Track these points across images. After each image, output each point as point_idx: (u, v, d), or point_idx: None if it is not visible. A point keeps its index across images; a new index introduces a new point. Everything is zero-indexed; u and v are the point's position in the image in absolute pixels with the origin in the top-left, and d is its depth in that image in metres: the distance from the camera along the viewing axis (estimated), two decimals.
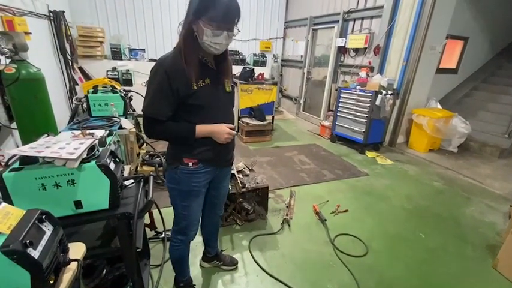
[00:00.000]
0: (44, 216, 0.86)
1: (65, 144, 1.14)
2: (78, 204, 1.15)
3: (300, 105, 6.69)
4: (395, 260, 2.09)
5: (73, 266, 0.92)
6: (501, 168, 4.01)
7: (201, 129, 1.22)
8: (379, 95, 3.95)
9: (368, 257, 2.10)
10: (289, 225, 2.42)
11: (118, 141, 2.16)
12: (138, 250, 1.33)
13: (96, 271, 1.45)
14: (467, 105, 5.38)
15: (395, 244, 2.28)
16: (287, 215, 2.51)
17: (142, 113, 1.22)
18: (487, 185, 3.44)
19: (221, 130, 1.24)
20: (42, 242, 0.80)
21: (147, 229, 1.92)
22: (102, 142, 1.36)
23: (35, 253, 0.75)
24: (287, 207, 2.66)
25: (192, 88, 1.16)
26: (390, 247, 2.23)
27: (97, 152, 1.21)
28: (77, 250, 1.00)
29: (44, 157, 1.03)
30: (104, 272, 1.48)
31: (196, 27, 1.11)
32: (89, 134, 1.43)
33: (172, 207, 1.43)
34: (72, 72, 4.38)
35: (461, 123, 4.34)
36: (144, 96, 1.21)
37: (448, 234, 2.43)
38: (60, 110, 3.91)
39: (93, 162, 1.12)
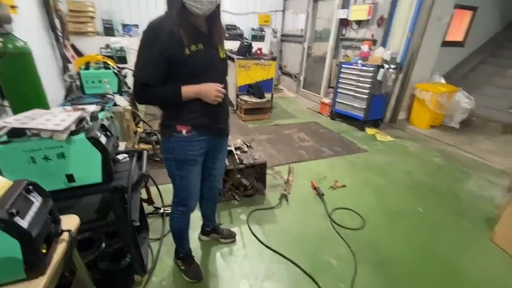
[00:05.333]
0: (31, 187, 0.84)
1: (51, 116, 1.10)
2: (70, 177, 1.14)
3: (300, 83, 6.54)
4: (392, 234, 2.12)
5: (66, 236, 0.91)
6: (504, 143, 3.97)
7: (188, 89, 1.18)
8: (381, 69, 3.82)
9: (365, 230, 2.13)
10: (287, 200, 2.43)
11: (111, 117, 2.11)
12: (135, 224, 1.34)
13: (95, 244, 1.47)
14: (473, 80, 5.24)
15: (393, 218, 2.30)
16: (285, 190, 2.52)
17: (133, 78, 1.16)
18: (488, 160, 3.41)
19: (209, 87, 1.19)
20: (31, 212, 0.79)
21: (146, 204, 1.92)
22: (93, 117, 1.33)
23: (23, 222, 0.74)
24: (285, 183, 2.67)
25: (184, 53, 1.12)
26: (388, 221, 2.25)
27: (86, 125, 1.18)
28: (70, 222, 0.99)
29: (29, 128, 1.00)
30: (103, 245, 1.50)
31: None
32: (81, 109, 1.39)
33: (171, 181, 1.42)
34: (64, 50, 4.23)
35: (465, 98, 4.23)
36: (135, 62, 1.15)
37: (446, 209, 2.44)
38: (54, 89, 3.82)
39: (82, 135, 1.09)
